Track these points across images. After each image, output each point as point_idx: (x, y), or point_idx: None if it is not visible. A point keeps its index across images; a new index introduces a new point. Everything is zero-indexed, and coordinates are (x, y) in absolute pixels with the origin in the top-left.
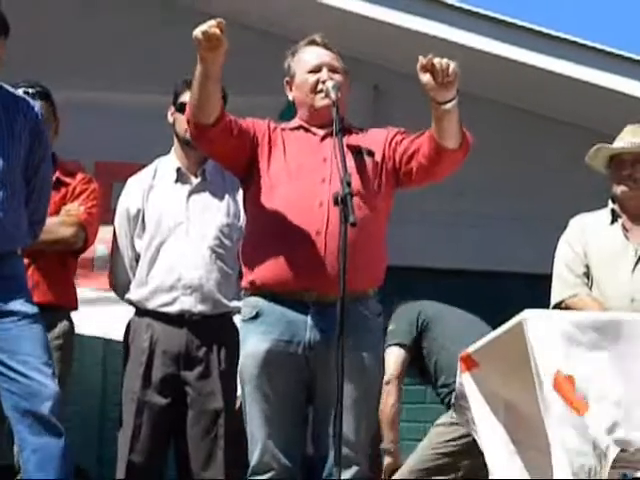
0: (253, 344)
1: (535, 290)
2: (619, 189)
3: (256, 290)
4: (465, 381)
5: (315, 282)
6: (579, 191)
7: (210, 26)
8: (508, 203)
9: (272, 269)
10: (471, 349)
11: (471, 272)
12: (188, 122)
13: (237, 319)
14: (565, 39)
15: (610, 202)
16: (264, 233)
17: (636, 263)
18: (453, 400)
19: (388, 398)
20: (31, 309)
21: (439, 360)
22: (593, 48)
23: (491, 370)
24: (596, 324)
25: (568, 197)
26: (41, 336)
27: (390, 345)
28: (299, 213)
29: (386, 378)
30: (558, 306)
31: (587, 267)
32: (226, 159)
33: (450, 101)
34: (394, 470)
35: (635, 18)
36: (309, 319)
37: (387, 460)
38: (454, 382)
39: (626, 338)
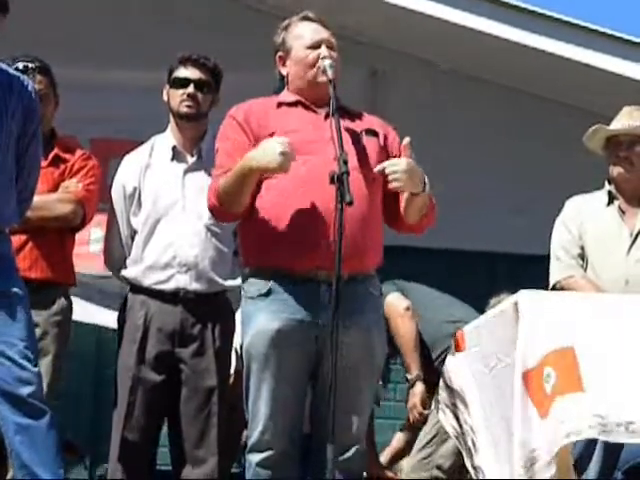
0: (263, 322)
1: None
2: (615, 170)
3: (266, 268)
4: (457, 360)
5: (327, 260)
6: (572, 174)
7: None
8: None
9: (284, 247)
10: (466, 329)
11: (459, 252)
12: (213, 210)
13: (231, 297)
14: (570, 22)
15: (606, 184)
16: (273, 211)
17: (631, 245)
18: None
19: (409, 324)
20: (17, 289)
21: (422, 329)
22: (596, 31)
23: (483, 350)
24: (595, 303)
25: (560, 180)
26: (25, 317)
27: (387, 293)
28: (313, 190)
29: (404, 305)
30: (554, 288)
31: (582, 248)
32: None
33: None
34: (426, 395)
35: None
36: (321, 298)
37: (419, 387)
38: (439, 343)
39: (626, 315)
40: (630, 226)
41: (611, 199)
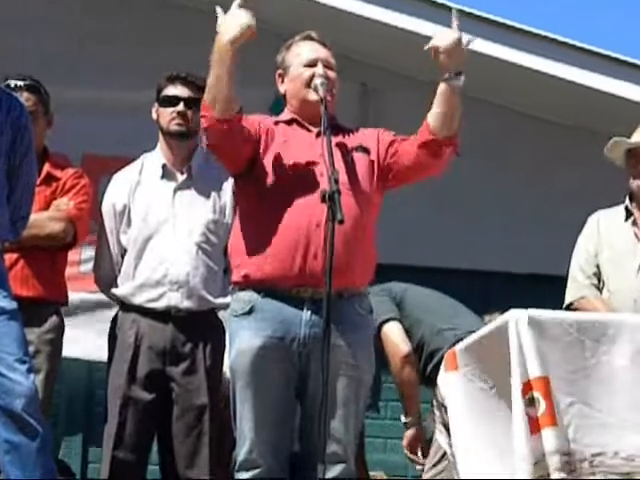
0: (246, 340)
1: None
2: (635, 183)
3: (250, 285)
4: (449, 379)
5: (311, 277)
6: (573, 192)
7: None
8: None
9: (268, 264)
10: (457, 348)
11: (457, 270)
12: (205, 116)
13: (222, 315)
14: (569, 44)
15: (627, 199)
16: (260, 227)
17: None
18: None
19: (410, 369)
20: (9, 304)
21: (422, 334)
22: (593, 52)
23: (475, 369)
24: (580, 324)
25: (560, 198)
26: (18, 332)
27: (385, 321)
28: (299, 207)
29: (405, 351)
30: (569, 308)
31: (598, 267)
32: (229, 157)
33: (459, 74)
34: (419, 441)
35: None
36: (304, 315)
37: (411, 432)
38: (438, 352)
39: (610, 339)
40: None
41: (629, 214)
